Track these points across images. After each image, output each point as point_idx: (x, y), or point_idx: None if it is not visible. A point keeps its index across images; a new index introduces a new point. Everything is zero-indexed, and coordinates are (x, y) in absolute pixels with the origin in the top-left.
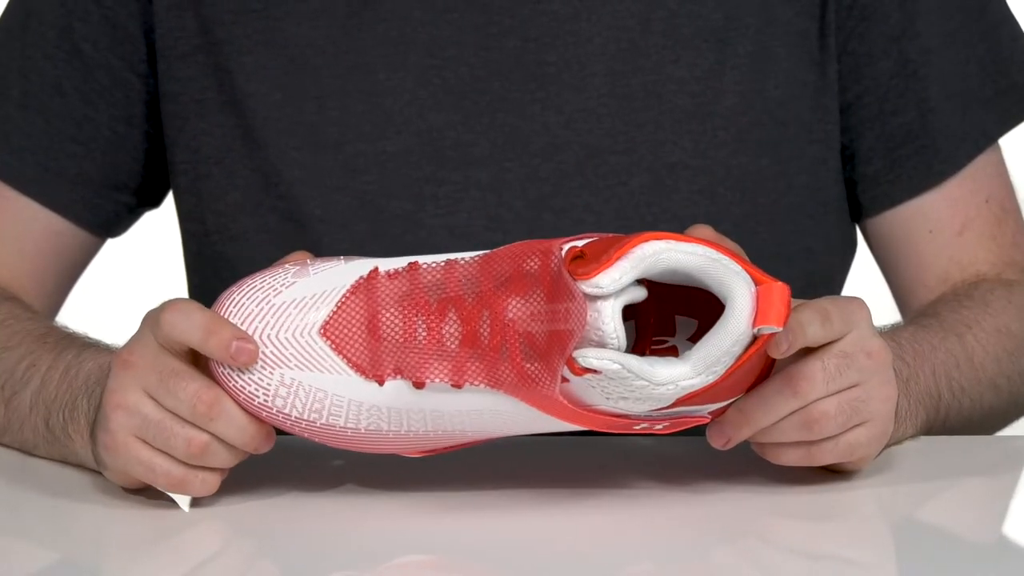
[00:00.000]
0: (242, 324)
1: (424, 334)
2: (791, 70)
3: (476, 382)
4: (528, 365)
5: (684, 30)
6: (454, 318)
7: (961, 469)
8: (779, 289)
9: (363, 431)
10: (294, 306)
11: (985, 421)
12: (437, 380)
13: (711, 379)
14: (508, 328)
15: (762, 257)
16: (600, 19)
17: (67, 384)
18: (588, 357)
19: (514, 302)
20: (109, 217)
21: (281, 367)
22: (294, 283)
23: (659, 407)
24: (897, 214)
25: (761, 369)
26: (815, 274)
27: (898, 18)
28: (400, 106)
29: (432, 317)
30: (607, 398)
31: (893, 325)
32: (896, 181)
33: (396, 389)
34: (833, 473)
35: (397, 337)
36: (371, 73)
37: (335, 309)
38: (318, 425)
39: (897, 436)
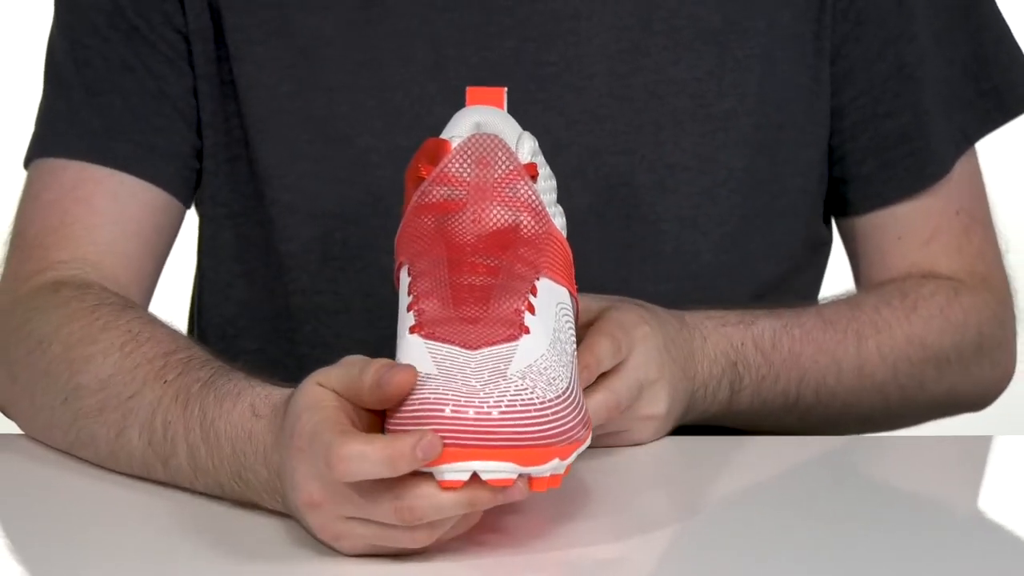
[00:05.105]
0: None
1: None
2: (787, 73)
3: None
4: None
5: (684, 31)
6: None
7: (962, 469)
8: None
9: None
10: None
11: (867, 421)
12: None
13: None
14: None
15: (756, 257)
16: (600, 19)
17: (218, 457)
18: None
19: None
20: (192, 186)
21: None
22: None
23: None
24: (872, 217)
25: None
26: (794, 274)
27: (896, 20)
28: (410, 101)
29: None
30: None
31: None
32: (889, 181)
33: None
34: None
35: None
36: (380, 68)
37: None
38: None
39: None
